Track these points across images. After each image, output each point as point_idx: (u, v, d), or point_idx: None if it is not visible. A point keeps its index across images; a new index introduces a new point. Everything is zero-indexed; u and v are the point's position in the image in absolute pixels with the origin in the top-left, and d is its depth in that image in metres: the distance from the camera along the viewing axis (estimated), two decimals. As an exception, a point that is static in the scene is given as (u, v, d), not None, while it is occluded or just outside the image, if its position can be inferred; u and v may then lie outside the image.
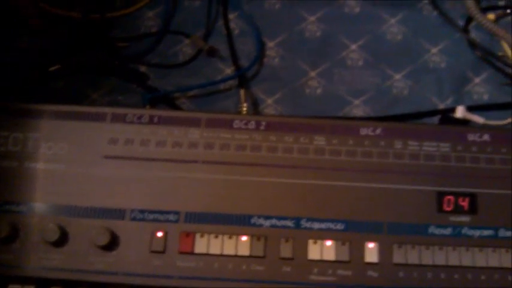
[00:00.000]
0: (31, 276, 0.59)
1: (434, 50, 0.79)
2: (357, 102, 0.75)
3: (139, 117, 0.63)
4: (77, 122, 0.63)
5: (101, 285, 0.59)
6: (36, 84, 0.76)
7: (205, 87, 0.76)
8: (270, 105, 0.75)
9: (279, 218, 0.59)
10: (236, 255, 0.58)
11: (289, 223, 0.59)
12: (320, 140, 0.62)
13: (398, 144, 0.62)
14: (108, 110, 0.63)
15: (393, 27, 0.80)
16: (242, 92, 0.73)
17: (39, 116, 0.63)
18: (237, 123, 0.63)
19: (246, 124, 0.62)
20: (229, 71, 0.77)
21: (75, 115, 0.63)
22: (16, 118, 0.63)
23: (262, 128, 0.62)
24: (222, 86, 0.76)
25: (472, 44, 0.79)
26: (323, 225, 0.59)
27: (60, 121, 0.63)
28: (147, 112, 0.63)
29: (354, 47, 0.79)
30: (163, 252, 0.58)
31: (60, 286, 0.60)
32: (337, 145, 0.62)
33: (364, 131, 0.62)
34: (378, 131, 0.63)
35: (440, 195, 0.61)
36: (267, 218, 0.59)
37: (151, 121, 0.63)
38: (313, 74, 0.77)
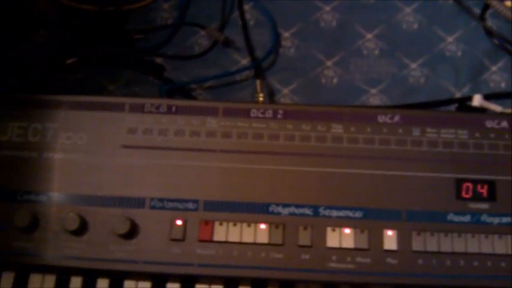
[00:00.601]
0: (52, 265, 0.59)
1: (450, 39, 0.78)
2: (373, 91, 0.75)
3: (157, 107, 0.63)
4: (95, 112, 0.63)
5: (121, 273, 0.60)
6: (54, 76, 0.76)
7: (221, 77, 0.76)
8: (286, 95, 0.75)
9: (297, 206, 0.59)
10: (255, 243, 0.58)
11: (307, 211, 0.59)
12: (338, 128, 0.62)
13: (416, 132, 0.62)
14: (126, 100, 0.64)
15: (409, 16, 0.80)
16: (258, 82, 0.73)
17: (58, 106, 0.64)
18: (254, 112, 0.63)
19: (263, 113, 0.62)
20: (244, 61, 0.77)
21: (93, 105, 0.63)
22: (35, 109, 0.64)
23: (279, 116, 0.62)
24: (238, 77, 0.76)
25: (489, 32, 0.78)
26: (341, 213, 0.59)
27: (79, 111, 0.63)
28: (164, 102, 0.63)
29: (369, 36, 0.79)
30: (182, 240, 0.59)
31: (80, 275, 0.60)
32: (355, 133, 0.62)
33: (382, 119, 0.62)
34: (396, 119, 0.62)
35: (459, 182, 0.61)
36: (285, 206, 0.60)
37: (169, 111, 0.63)
38: (329, 63, 0.77)
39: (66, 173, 0.61)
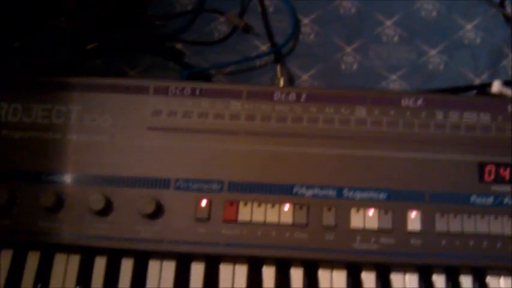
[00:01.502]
0: (77, 245, 0.60)
1: (469, 26, 0.79)
2: (393, 77, 0.75)
3: (182, 90, 0.63)
4: (119, 95, 0.63)
5: (145, 253, 0.60)
6: (74, 62, 0.77)
7: (241, 63, 0.76)
8: (305, 80, 0.75)
9: (321, 188, 0.60)
10: (279, 224, 0.59)
11: (331, 192, 0.60)
12: (361, 111, 0.62)
13: (439, 115, 0.62)
14: (150, 83, 0.64)
15: (427, 3, 0.80)
16: (278, 67, 0.74)
17: (82, 89, 0.64)
18: (277, 95, 0.63)
19: (286, 96, 0.63)
20: (264, 47, 0.78)
21: (117, 88, 0.64)
22: (58, 91, 0.64)
23: (302, 99, 0.63)
24: (257, 63, 0.77)
25: (508, 19, 0.78)
26: (365, 195, 0.60)
27: (103, 94, 0.64)
28: (189, 85, 0.64)
29: (388, 23, 0.79)
30: (207, 220, 0.59)
31: (105, 255, 0.61)
32: (379, 116, 0.62)
33: (405, 102, 0.63)
34: (419, 102, 0.63)
35: (482, 165, 0.61)
36: (309, 187, 0.60)
37: (193, 93, 0.63)
38: (348, 49, 0.77)
39: (91, 154, 0.61)
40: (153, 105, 0.63)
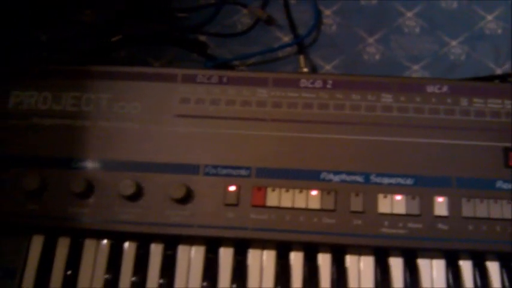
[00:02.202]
0: (107, 231, 0.61)
1: (489, 17, 0.79)
2: (415, 67, 0.76)
3: (209, 78, 0.64)
4: (148, 83, 0.64)
5: (175, 238, 0.61)
6: (99, 54, 0.78)
7: (264, 54, 0.77)
8: (328, 71, 0.76)
9: (349, 173, 0.60)
10: (307, 209, 0.59)
11: (358, 178, 0.60)
12: (387, 98, 0.63)
13: (464, 102, 0.63)
14: (178, 71, 0.65)
15: (448, -5, 0.81)
16: (302, 57, 0.75)
17: (111, 77, 0.65)
18: (303, 82, 0.64)
19: (312, 83, 0.64)
20: (286, 39, 0.79)
21: (146, 76, 0.65)
22: (88, 80, 0.65)
23: (328, 86, 0.63)
24: (280, 54, 0.78)
25: (529, 10, 0.79)
26: (392, 180, 0.60)
27: (132, 82, 0.65)
28: (216, 73, 0.65)
29: (409, 14, 0.80)
30: (236, 205, 0.60)
31: (134, 240, 0.62)
32: (405, 102, 0.63)
33: (430, 89, 0.63)
34: (444, 89, 0.63)
35: (507, 151, 0.61)
36: (337, 173, 0.60)
37: (220, 81, 0.64)
38: (370, 40, 0.78)
39: (120, 141, 0.62)
40: (181, 93, 0.64)
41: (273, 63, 0.77)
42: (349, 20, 0.79)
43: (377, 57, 0.77)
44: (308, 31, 0.77)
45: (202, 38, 0.79)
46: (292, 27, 0.78)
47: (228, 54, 0.78)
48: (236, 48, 0.78)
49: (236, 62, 0.77)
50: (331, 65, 0.76)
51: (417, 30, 0.79)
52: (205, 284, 0.59)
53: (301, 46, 0.77)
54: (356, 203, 0.59)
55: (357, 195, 0.60)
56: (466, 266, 0.60)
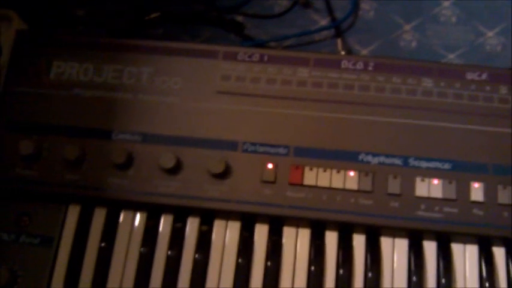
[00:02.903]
0: (145, 202, 0.61)
1: (527, 9, 0.79)
2: (451, 56, 0.76)
3: (250, 56, 0.65)
4: (189, 59, 0.65)
5: (211, 213, 0.61)
6: (136, 30, 0.78)
7: (301, 36, 0.77)
8: (365, 55, 0.76)
9: (387, 156, 0.61)
10: (344, 189, 0.60)
11: (397, 161, 0.61)
12: (428, 82, 0.63)
13: (503, 90, 0.63)
14: (220, 48, 0.65)
15: (485, -15, 0.81)
16: (339, 41, 0.75)
17: (152, 51, 0.66)
18: (345, 64, 0.64)
19: (354, 64, 0.64)
20: (323, 22, 0.79)
21: (188, 52, 0.65)
22: (130, 53, 0.66)
23: (370, 68, 0.64)
24: (316, 37, 0.78)
25: None
26: (430, 164, 0.60)
27: (173, 57, 0.65)
28: (257, 51, 0.65)
29: (446, 3, 0.80)
30: (273, 182, 0.60)
31: (171, 213, 0.62)
32: (444, 88, 0.63)
33: (470, 75, 0.63)
34: (484, 76, 0.63)
35: (545, 139, 0.61)
36: (375, 155, 0.61)
37: (261, 60, 0.65)
38: (407, 27, 0.78)
39: (161, 115, 0.63)
40: (222, 70, 0.64)
41: (309, 46, 0.77)
42: (387, 6, 0.79)
43: (413, 44, 0.77)
44: (346, 15, 0.77)
45: (240, 18, 0.79)
46: (330, 10, 0.78)
47: (264, 35, 0.78)
48: (272, 29, 0.78)
49: (272, 44, 0.77)
50: (367, 49, 0.77)
51: (453, 19, 0.79)
52: (240, 260, 0.60)
53: (338, 30, 0.77)
54: (394, 185, 0.60)
55: (395, 177, 0.60)
56: (499, 253, 0.60)
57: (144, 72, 0.65)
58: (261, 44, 0.77)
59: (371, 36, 0.77)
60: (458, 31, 0.78)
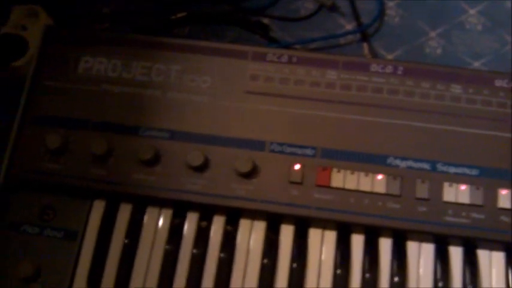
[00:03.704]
0: (170, 199, 0.61)
1: (554, 20, 0.79)
2: (476, 64, 0.76)
3: (279, 57, 0.65)
4: (218, 58, 0.65)
5: (237, 212, 0.61)
6: (162, 30, 0.79)
7: (327, 40, 0.77)
8: (394, 60, 0.76)
9: (416, 160, 0.61)
10: (372, 192, 0.60)
11: (425, 165, 0.60)
12: (456, 88, 0.63)
13: (532, 98, 0.63)
14: (249, 49, 0.65)
15: (513, -6, 0.81)
16: (365, 45, 0.75)
17: (182, 50, 0.66)
18: (374, 67, 0.64)
19: (383, 68, 0.64)
20: (348, 27, 0.79)
21: (217, 51, 0.65)
22: (159, 50, 0.66)
23: (399, 72, 0.64)
24: (342, 41, 0.78)
25: None
26: (458, 170, 0.60)
27: (203, 56, 0.65)
28: (286, 52, 0.65)
29: (472, 11, 0.80)
30: (300, 183, 0.60)
31: (196, 211, 0.62)
32: (473, 94, 0.63)
33: (499, 83, 0.63)
34: (513, 84, 0.64)
35: None
36: (403, 159, 0.61)
37: (290, 61, 0.65)
38: (433, 34, 0.78)
39: (189, 113, 0.63)
40: (251, 70, 0.64)
41: (334, 50, 0.78)
42: (412, 12, 0.80)
43: (438, 51, 0.77)
44: (372, 20, 0.77)
45: (265, 20, 0.79)
46: (356, 15, 0.78)
47: (289, 38, 0.78)
48: (298, 32, 0.79)
49: (298, 46, 0.77)
50: (393, 55, 0.77)
51: (479, 27, 0.79)
52: (265, 261, 0.60)
53: (364, 35, 0.77)
54: (422, 190, 0.60)
55: (423, 182, 0.60)
56: (525, 261, 0.60)
57: (172, 70, 0.65)
58: (286, 47, 0.77)
59: (396, 42, 0.77)
60: (484, 39, 0.78)
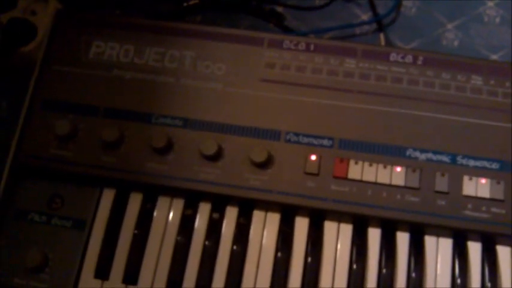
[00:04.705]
0: (183, 189, 0.60)
1: None
2: (494, 57, 0.74)
3: (296, 44, 0.63)
4: (233, 45, 0.63)
5: (250, 203, 0.60)
6: (174, 17, 0.77)
7: (342, 29, 0.76)
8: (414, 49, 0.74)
9: (435, 153, 0.59)
10: (390, 185, 0.58)
11: (445, 158, 0.59)
12: (477, 80, 0.61)
13: (555, 91, 0.62)
14: (265, 35, 0.64)
15: (531, -13, 0.79)
16: (382, 35, 0.74)
17: (196, 35, 0.64)
18: (393, 56, 0.62)
19: (403, 57, 0.62)
20: (364, 17, 0.77)
21: (232, 38, 0.64)
22: (172, 36, 0.64)
23: (419, 62, 0.62)
24: (357, 31, 0.76)
25: None
26: (478, 163, 0.59)
27: (217, 42, 0.64)
28: (303, 40, 0.63)
29: (491, 4, 0.78)
30: (317, 174, 0.59)
31: (209, 202, 0.61)
32: (494, 86, 0.61)
33: (521, 74, 0.62)
34: (535, 76, 0.62)
35: None
36: (423, 151, 0.59)
37: (307, 49, 0.63)
38: (450, 26, 0.76)
39: (203, 101, 0.61)
40: (267, 58, 0.63)
41: (350, 39, 0.76)
42: (429, 4, 0.78)
43: (455, 43, 0.75)
44: (388, 11, 0.76)
45: (280, 9, 0.78)
46: (372, 5, 0.77)
47: (304, 27, 0.77)
48: (313, 22, 0.77)
49: (312, 36, 0.76)
50: (409, 46, 0.75)
51: (497, 20, 0.77)
52: (279, 254, 0.58)
53: (380, 25, 0.76)
54: (441, 183, 0.58)
55: (442, 175, 0.58)
56: (545, 257, 0.58)
57: (186, 56, 0.63)
58: (300, 36, 0.75)
59: (413, 33, 0.76)
60: (502, 32, 0.76)
